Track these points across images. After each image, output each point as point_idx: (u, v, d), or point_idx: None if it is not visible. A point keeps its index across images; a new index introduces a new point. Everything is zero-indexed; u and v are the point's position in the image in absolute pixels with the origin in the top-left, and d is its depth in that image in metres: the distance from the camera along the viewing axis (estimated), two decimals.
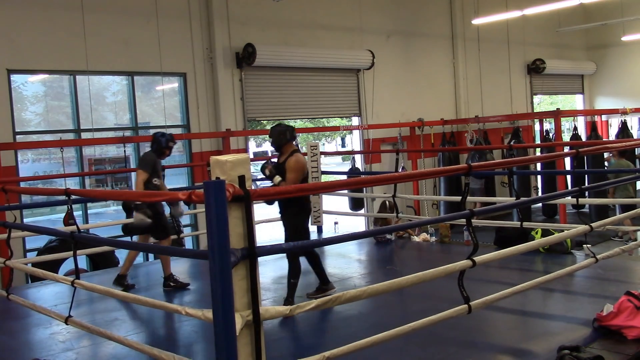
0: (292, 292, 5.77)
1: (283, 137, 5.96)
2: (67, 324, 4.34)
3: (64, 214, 8.62)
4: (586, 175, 12.16)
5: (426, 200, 13.77)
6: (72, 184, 9.57)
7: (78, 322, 4.31)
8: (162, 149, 6.74)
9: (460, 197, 4.48)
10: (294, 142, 6.07)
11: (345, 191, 10.85)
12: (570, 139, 14.85)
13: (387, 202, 8.88)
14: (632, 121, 15.62)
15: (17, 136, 9.18)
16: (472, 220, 4.07)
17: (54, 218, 9.82)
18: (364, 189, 12.20)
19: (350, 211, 12.10)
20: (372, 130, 13.27)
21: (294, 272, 5.82)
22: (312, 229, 9.32)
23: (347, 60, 12.96)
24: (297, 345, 4.82)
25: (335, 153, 22.60)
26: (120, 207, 9.73)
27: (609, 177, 10.83)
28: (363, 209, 12.55)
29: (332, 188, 4.86)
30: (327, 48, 12.62)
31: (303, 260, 5.96)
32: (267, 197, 3.27)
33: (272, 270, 7.06)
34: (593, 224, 5.29)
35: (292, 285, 5.79)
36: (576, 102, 20.25)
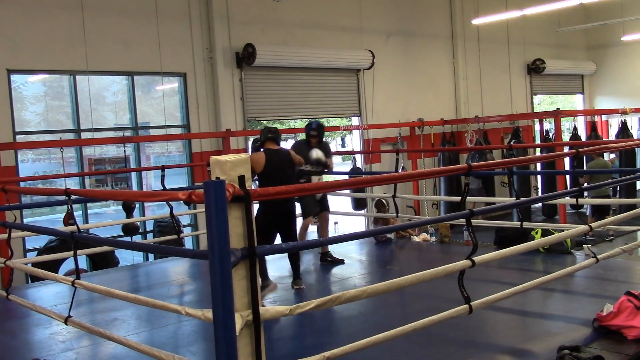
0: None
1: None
2: (66, 324, 4.34)
3: (64, 214, 8.62)
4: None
5: (426, 200, 13.77)
6: (72, 184, 9.57)
7: (77, 322, 4.30)
8: (307, 137, 7.29)
9: (460, 197, 4.47)
10: (273, 141, 6.13)
11: (348, 191, 10.84)
12: (570, 139, 14.84)
13: (382, 200, 8.89)
14: (632, 121, 15.61)
15: (17, 136, 9.19)
16: (472, 220, 4.06)
17: (54, 218, 9.82)
18: (365, 188, 12.21)
19: (350, 211, 12.09)
20: (372, 130, 13.27)
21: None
22: (312, 229, 9.34)
23: (347, 60, 12.96)
24: (297, 345, 4.81)
25: (335, 153, 22.52)
26: (120, 207, 9.78)
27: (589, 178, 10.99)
28: (365, 209, 12.53)
29: (331, 188, 4.86)
30: (327, 48, 12.62)
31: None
32: (267, 197, 3.26)
33: (272, 270, 7.01)
34: (592, 224, 5.29)
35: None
36: (576, 102, 20.25)
